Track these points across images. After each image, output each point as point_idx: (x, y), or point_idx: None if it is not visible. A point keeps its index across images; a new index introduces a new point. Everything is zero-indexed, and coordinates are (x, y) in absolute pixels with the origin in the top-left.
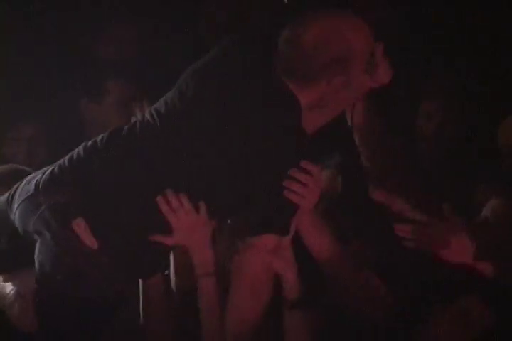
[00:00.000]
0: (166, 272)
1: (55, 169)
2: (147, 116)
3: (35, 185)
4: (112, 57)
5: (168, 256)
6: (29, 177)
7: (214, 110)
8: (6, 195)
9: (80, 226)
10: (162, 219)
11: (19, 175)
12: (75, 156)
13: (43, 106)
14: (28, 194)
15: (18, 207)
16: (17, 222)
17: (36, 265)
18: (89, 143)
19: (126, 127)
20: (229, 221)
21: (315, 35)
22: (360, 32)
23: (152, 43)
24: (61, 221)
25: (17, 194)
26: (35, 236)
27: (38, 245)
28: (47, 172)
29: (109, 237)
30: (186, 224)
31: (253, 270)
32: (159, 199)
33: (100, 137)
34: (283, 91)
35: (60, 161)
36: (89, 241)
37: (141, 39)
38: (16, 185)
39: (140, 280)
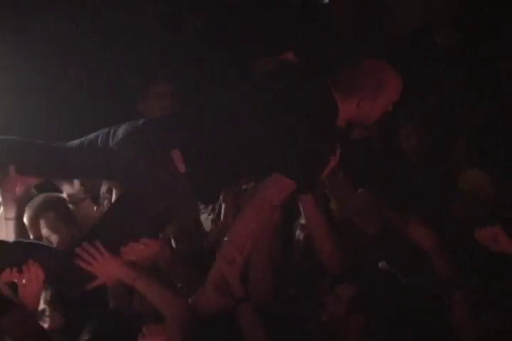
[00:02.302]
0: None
1: (161, 117)
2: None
3: (142, 126)
4: None
5: None
6: (111, 129)
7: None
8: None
9: (176, 155)
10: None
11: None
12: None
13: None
14: (130, 134)
15: (118, 142)
16: (112, 154)
17: (125, 180)
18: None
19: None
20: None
21: (370, 64)
22: (396, 80)
23: None
24: (164, 149)
25: (118, 134)
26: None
27: (129, 166)
28: (150, 120)
29: (193, 168)
30: None
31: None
32: None
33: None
34: (330, 95)
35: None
36: (180, 166)
37: None
38: (103, 132)
39: None
